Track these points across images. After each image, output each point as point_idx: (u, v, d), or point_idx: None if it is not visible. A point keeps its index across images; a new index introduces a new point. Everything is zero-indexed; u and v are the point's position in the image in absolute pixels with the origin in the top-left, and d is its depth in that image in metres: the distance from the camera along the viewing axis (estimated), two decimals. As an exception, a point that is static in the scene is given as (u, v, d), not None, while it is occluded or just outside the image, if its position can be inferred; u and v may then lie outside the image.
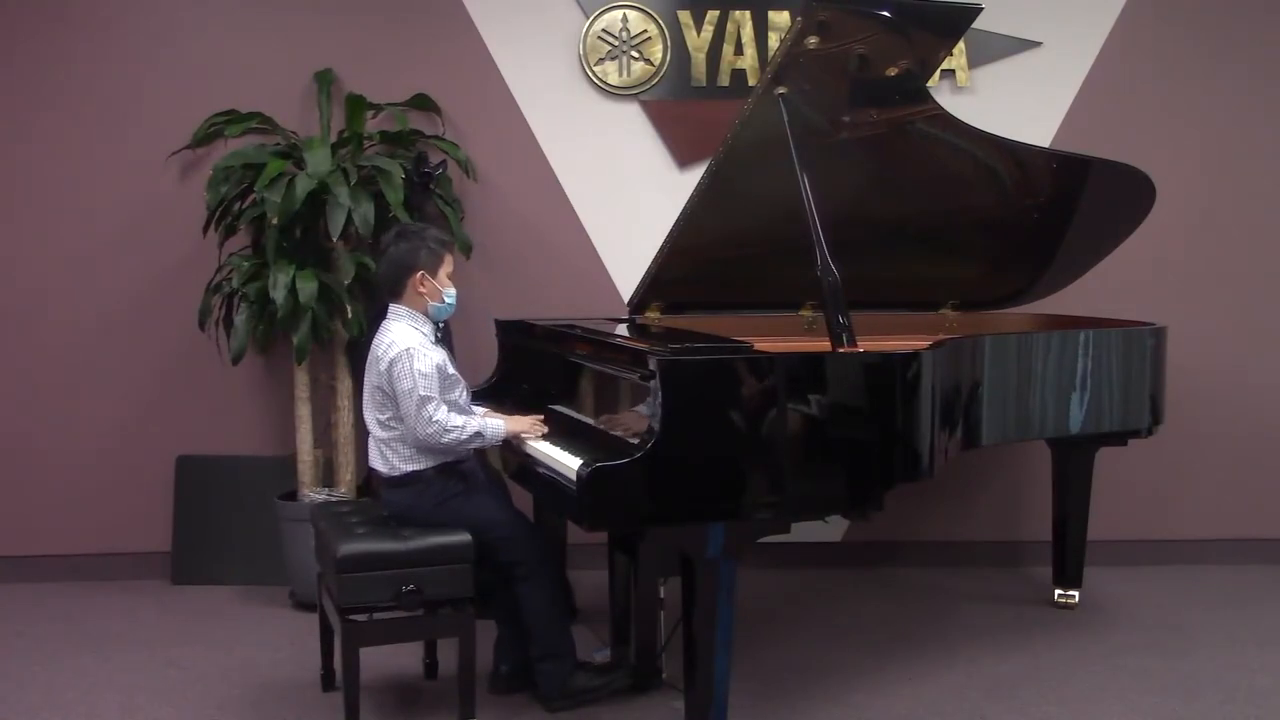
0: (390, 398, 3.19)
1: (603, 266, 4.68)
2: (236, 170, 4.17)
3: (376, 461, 3.30)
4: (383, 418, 3.23)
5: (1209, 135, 4.70)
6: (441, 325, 3.39)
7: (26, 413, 4.59)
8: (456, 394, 3.26)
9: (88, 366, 4.59)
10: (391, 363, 3.13)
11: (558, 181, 4.66)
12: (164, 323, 4.54)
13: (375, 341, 3.25)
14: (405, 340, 3.16)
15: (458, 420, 3.17)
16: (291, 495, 4.35)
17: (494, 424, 3.24)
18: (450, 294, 3.30)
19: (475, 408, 3.44)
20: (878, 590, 4.48)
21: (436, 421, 3.12)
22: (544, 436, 3.24)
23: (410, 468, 3.23)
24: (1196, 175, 4.68)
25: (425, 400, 3.11)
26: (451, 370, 3.25)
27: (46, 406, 4.59)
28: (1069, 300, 4.44)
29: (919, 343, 3.20)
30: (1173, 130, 4.68)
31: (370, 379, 3.25)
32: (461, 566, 3.13)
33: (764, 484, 2.84)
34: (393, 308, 3.29)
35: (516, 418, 3.30)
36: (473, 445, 3.22)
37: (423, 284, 3.25)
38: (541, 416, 3.30)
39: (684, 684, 2.98)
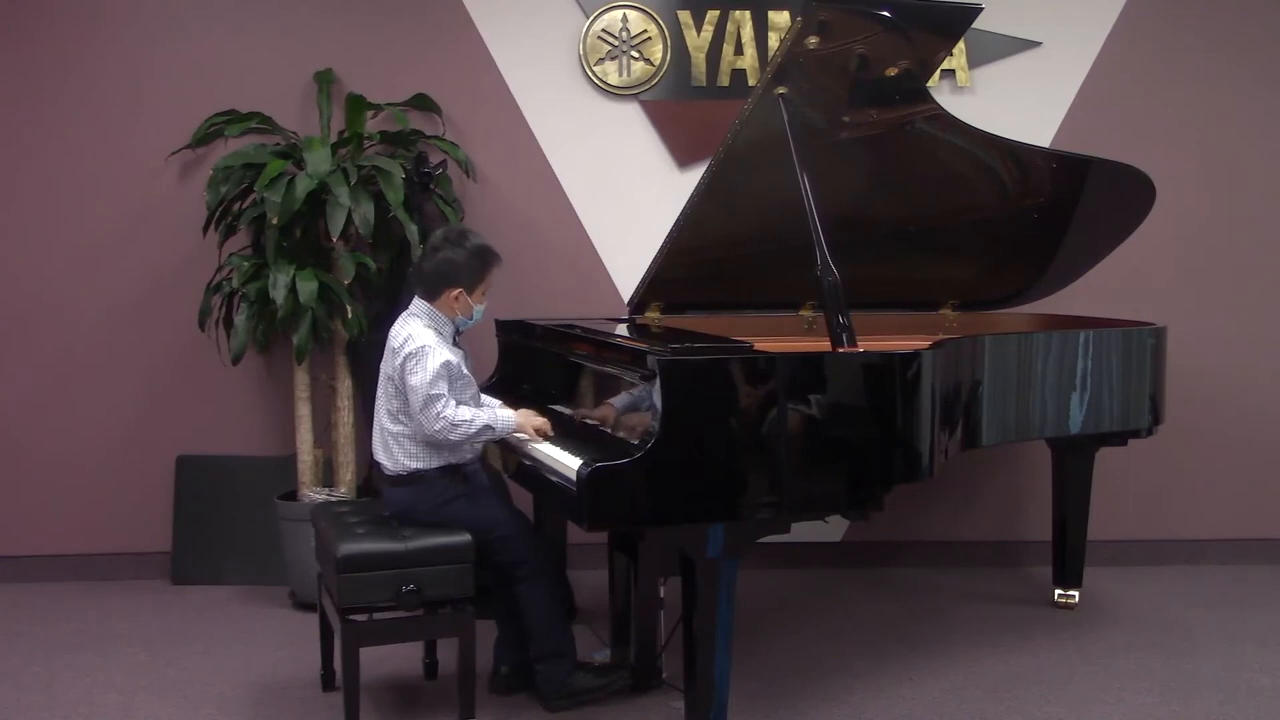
0: (400, 390, 3.20)
1: (603, 266, 4.68)
2: (236, 170, 4.17)
3: (380, 455, 3.31)
4: (392, 409, 3.24)
5: (1209, 135, 4.70)
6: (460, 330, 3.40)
7: (26, 413, 4.59)
8: (468, 396, 3.27)
9: (88, 366, 4.59)
10: (406, 358, 3.15)
11: (558, 181, 4.66)
12: (164, 323, 4.54)
13: (394, 331, 3.26)
14: (421, 338, 3.17)
15: (466, 414, 3.18)
16: (291, 495, 4.35)
17: (504, 415, 3.24)
18: (479, 310, 3.34)
19: (487, 399, 3.44)
20: (878, 590, 4.48)
21: (444, 417, 3.13)
22: (534, 430, 3.24)
23: (415, 465, 3.24)
24: (1197, 175, 4.68)
25: (433, 398, 3.12)
26: (465, 371, 3.26)
27: (46, 406, 4.59)
28: (1069, 300, 4.44)
29: (919, 343, 3.20)
30: (1173, 130, 4.68)
31: (385, 367, 3.27)
32: (461, 566, 3.13)
33: (764, 484, 2.84)
34: (417, 302, 3.30)
35: (526, 412, 3.30)
36: (483, 439, 3.22)
37: (457, 300, 3.27)
38: (549, 423, 3.30)
39: (684, 684, 2.98)
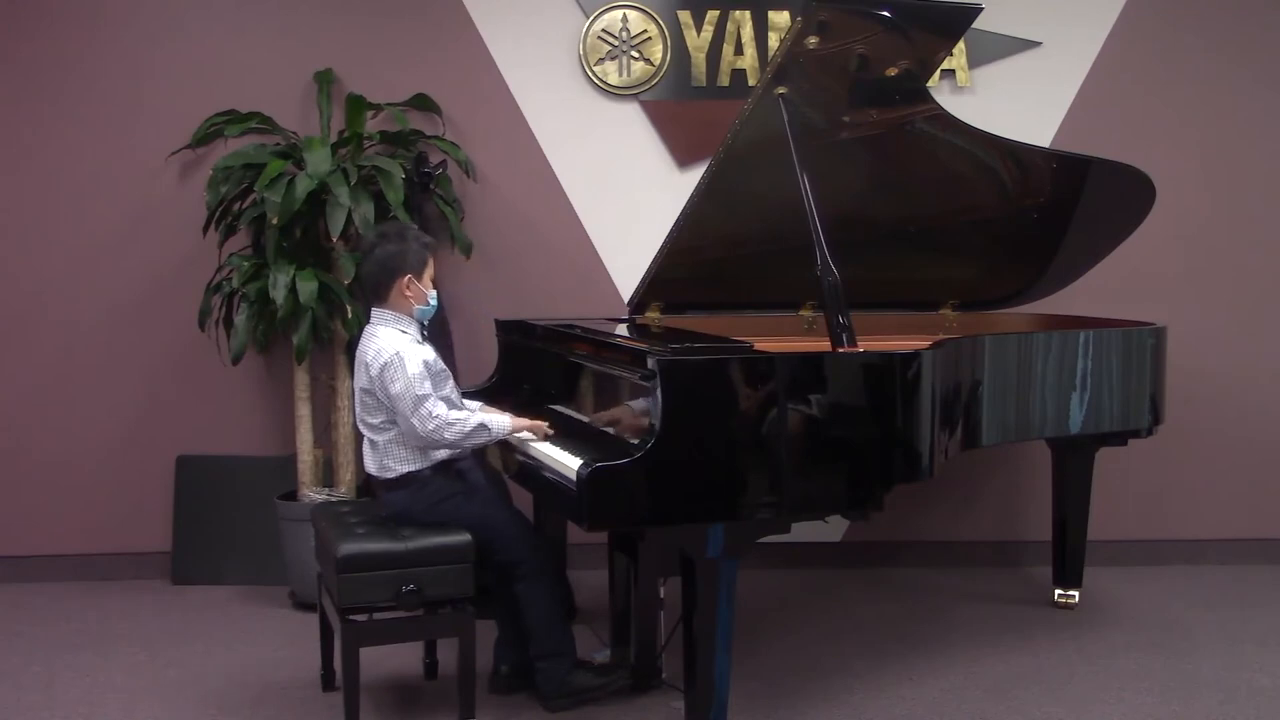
0: (382, 403, 3.18)
1: (603, 266, 4.67)
2: (236, 170, 4.17)
3: (371, 466, 3.30)
4: (374, 421, 3.23)
5: (1209, 135, 4.70)
6: (426, 325, 3.38)
7: (26, 413, 4.58)
8: (447, 390, 3.26)
9: (88, 366, 4.59)
10: (383, 368, 3.12)
11: (558, 181, 4.65)
12: (164, 323, 4.54)
13: (362, 347, 3.24)
14: (393, 344, 3.15)
15: (459, 414, 3.17)
16: (291, 495, 4.35)
17: (498, 419, 3.22)
18: (433, 296, 3.31)
19: (469, 402, 3.44)
20: (878, 590, 4.48)
21: (437, 417, 3.11)
22: (529, 431, 3.22)
23: (406, 468, 3.23)
24: (1197, 175, 4.68)
25: (421, 399, 3.10)
26: (440, 366, 3.24)
27: (46, 406, 4.59)
28: (1069, 300, 4.44)
29: (919, 343, 3.20)
30: (1173, 130, 4.68)
31: (358, 383, 3.25)
32: (461, 566, 3.13)
33: (764, 484, 2.84)
34: (377, 312, 3.27)
35: (520, 417, 3.28)
36: (478, 439, 3.19)
37: (409, 288, 3.24)
38: (547, 422, 3.28)
39: (684, 684, 2.98)
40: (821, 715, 3.30)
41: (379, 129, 4.44)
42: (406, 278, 3.22)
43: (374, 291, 3.27)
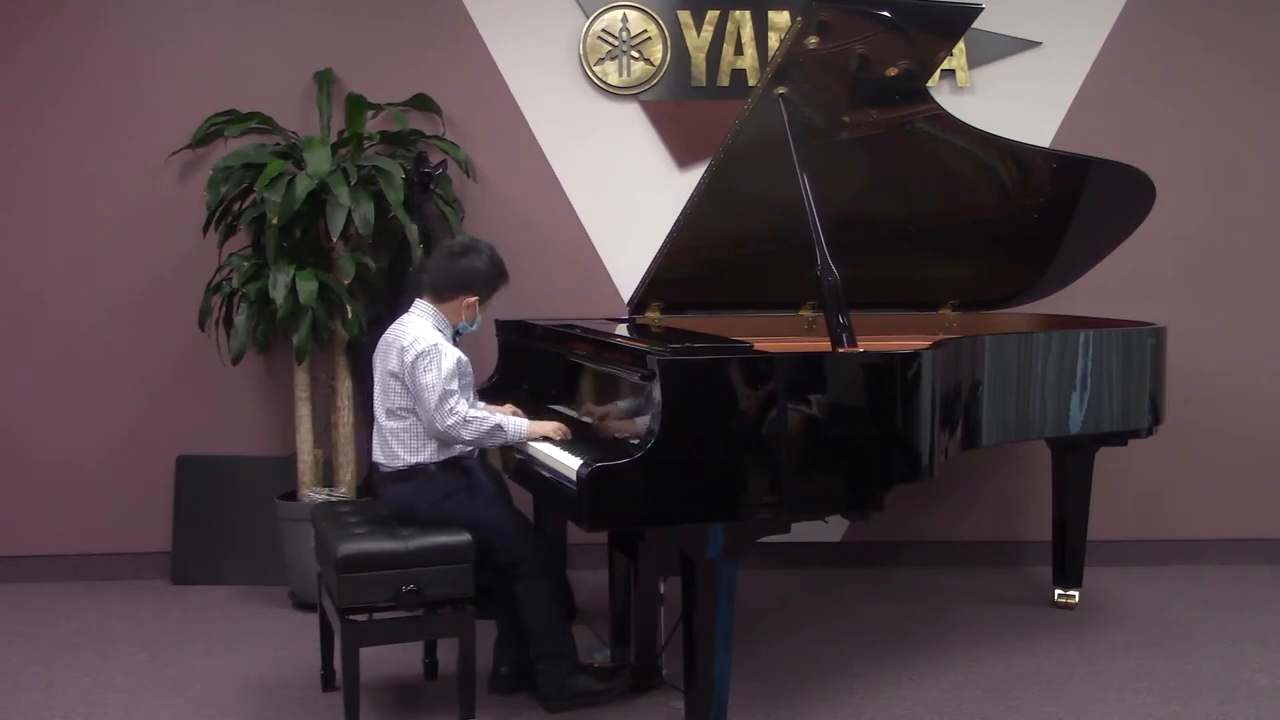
0: (407, 389, 3.20)
1: (603, 266, 4.68)
2: (236, 170, 4.18)
3: (380, 455, 3.31)
4: (392, 406, 3.24)
5: (1209, 135, 4.70)
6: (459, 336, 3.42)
7: (26, 413, 4.59)
8: (470, 396, 3.28)
9: (88, 366, 4.59)
10: (418, 356, 3.15)
11: (558, 181, 4.66)
12: (164, 323, 4.54)
13: (396, 333, 3.26)
14: (430, 337, 3.19)
15: (478, 412, 3.20)
16: (291, 495, 4.35)
17: (517, 422, 3.24)
18: (479, 321, 3.40)
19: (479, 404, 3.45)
20: (877, 590, 4.48)
21: (457, 413, 3.14)
22: (545, 438, 3.22)
23: (414, 460, 3.24)
24: (1196, 175, 4.68)
25: (448, 394, 3.14)
26: (469, 370, 3.28)
27: (46, 406, 4.59)
28: (1069, 300, 4.44)
29: (919, 343, 3.20)
30: (1173, 130, 4.68)
31: (385, 365, 3.26)
32: (461, 566, 3.13)
33: (764, 484, 2.84)
34: (421, 304, 3.31)
35: (541, 421, 3.29)
36: (495, 439, 3.22)
37: (468, 306, 3.32)
38: (564, 426, 3.27)
39: (684, 684, 2.98)
40: (821, 715, 3.30)
41: (379, 129, 4.45)
42: (473, 298, 3.32)
43: (436, 288, 3.32)
